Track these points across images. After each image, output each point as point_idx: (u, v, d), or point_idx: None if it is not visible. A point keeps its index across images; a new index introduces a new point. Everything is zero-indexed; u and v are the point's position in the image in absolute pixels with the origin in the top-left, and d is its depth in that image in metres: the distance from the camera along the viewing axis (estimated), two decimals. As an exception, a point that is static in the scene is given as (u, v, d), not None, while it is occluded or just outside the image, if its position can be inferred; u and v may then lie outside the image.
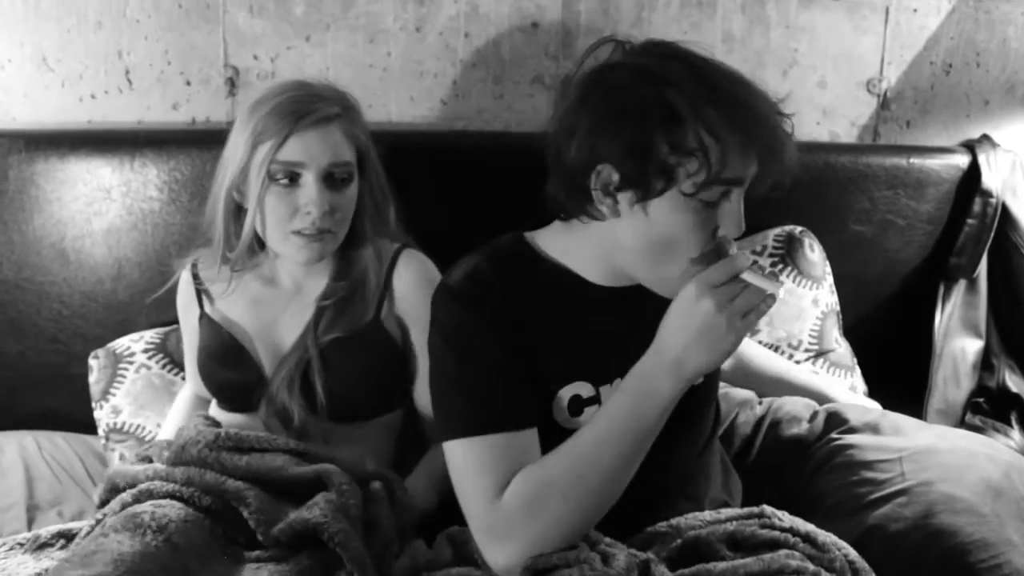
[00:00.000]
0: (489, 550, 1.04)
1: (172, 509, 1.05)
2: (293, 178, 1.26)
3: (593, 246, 1.10)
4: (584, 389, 1.12)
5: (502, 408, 1.06)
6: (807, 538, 1.06)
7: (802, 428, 1.43)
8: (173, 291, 1.47)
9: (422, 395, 1.36)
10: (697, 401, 1.18)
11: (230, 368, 1.34)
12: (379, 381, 1.34)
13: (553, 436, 1.08)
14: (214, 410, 1.41)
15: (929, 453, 1.26)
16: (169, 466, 1.16)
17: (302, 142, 1.24)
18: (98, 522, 1.09)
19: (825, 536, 1.07)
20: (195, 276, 1.42)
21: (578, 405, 1.12)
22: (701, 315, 0.99)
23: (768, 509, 1.12)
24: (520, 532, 1.02)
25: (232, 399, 1.36)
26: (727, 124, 0.97)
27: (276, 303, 1.37)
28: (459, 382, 1.08)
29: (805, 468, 1.37)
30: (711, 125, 0.97)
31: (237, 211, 1.31)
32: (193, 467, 1.15)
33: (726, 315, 0.98)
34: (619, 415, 1.04)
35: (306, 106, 1.26)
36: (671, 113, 0.98)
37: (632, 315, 1.12)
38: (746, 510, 1.14)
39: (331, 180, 1.27)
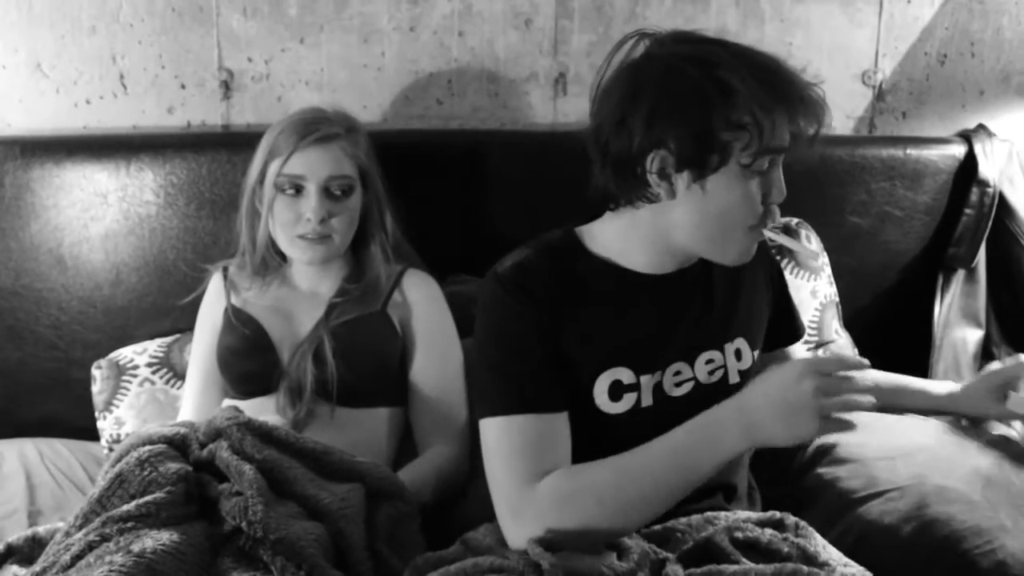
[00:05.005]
0: (512, 531, 1.07)
1: (148, 539, 1.01)
2: (298, 189, 1.40)
3: (646, 231, 1.14)
4: (625, 375, 1.14)
5: (535, 391, 1.10)
6: (812, 560, 1.03)
7: None
8: (200, 296, 1.55)
9: (416, 394, 1.45)
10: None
11: (251, 357, 1.43)
12: (383, 363, 1.43)
13: (593, 419, 1.13)
14: (228, 403, 1.44)
15: (922, 450, 1.30)
16: (204, 438, 1.18)
17: (304, 158, 1.40)
18: (66, 534, 1.08)
19: (828, 554, 1.05)
20: (225, 276, 1.53)
21: (618, 390, 1.14)
22: (796, 393, 0.98)
23: (789, 520, 1.11)
24: (547, 522, 1.05)
25: (251, 386, 1.43)
26: (774, 96, 1.04)
27: (294, 304, 1.48)
28: (498, 365, 1.13)
29: (795, 460, 1.38)
30: (762, 99, 1.03)
31: (257, 219, 1.47)
32: (215, 440, 1.16)
33: (818, 404, 0.97)
34: (677, 447, 1.05)
35: (311, 127, 1.41)
36: (724, 91, 1.04)
37: (674, 305, 1.16)
38: (766, 515, 1.13)
39: (330, 191, 1.41)
